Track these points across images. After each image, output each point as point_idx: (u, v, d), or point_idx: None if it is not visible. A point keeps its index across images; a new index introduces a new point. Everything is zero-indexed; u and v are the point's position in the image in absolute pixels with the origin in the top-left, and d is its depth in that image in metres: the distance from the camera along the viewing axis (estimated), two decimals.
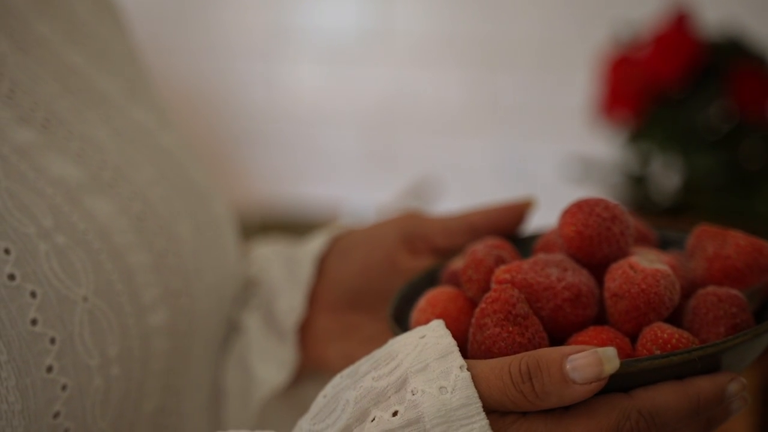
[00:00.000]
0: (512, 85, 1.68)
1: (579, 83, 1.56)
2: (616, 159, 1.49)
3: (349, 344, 0.65)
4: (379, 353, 0.49)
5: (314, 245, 0.66)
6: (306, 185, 1.68)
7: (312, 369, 0.67)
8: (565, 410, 0.46)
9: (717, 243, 0.53)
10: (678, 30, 1.11)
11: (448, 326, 0.49)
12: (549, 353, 0.46)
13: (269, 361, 0.67)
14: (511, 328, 0.49)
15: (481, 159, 1.74)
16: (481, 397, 0.45)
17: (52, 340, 0.51)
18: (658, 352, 0.47)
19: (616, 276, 0.50)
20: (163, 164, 0.61)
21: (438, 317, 0.52)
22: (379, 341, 0.55)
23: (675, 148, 1.12)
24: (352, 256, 0.65)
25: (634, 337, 0.48)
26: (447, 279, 0.58)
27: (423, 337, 0.48)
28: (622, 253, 0.52)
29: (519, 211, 0.63)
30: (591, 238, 0.52)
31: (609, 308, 0.49)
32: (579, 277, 0.51)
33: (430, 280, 0.59)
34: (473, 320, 0.50)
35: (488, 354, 0.48)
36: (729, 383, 0.47)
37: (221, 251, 0.63)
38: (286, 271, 0.67)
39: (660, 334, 0.48)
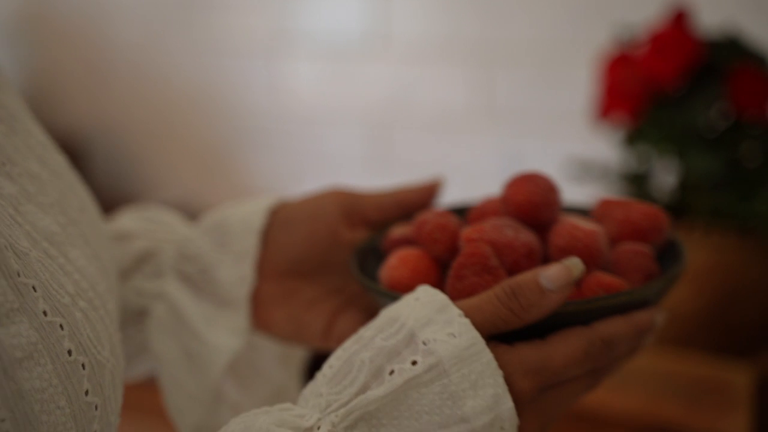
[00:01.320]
0: (512, 86, 1.69)
1: (579, 83, 1.57)
2: (615, 158, 1.49)
3: (293, 308, 0.71)
4: (379, 320, 0.56)
5: (253, 219, 0.71)
6: (307, 185, 1.69)
7: (259, 333, 0.73)
8: (544, 341, 0.56)
9: (623, 210, 0.66)
10: (676, 29, 1.11)
11: (420, 280, 0.62)
12: (524, 275, 0.56)
13: (219, 329, 0.71)
14: (487, 277, 0.58)
15: (481, 159, 1.74)
16: (478, 325, 0.54)
17: (96, 407, 0.52)
18: (603, 294, 0.58)
19: (562, 234, 0.61)
20: (76, 194, 0.62)
21: (411, 272, 0.63)
22: (322, 303, 0.70)
23: (673, 147, 1.12)
24: (295, 229, 0.71)
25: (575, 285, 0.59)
26: (395, 244, 0.67)
27: (417, 299, 0.56)
28: (556, 218, 0.64)
29: (434, 189, 0.73)
30: (537, 204, 0.63)
31: (555, 261, 0.58)
32: (529, 237, 0.61)
33: (373, 247, 0.69)
34: (451, 272, 0.59)
35: (476, 269, 0.59)
36: (656, 315, 0.60)
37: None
38: (217, 243, 0.72)
39: (603, 279, 0.59)
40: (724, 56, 1.11)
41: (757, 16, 1.45)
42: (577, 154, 1.62)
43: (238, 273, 0.71)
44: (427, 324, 0.54)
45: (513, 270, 0.59)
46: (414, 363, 0.53)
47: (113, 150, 2.17)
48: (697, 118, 1.11)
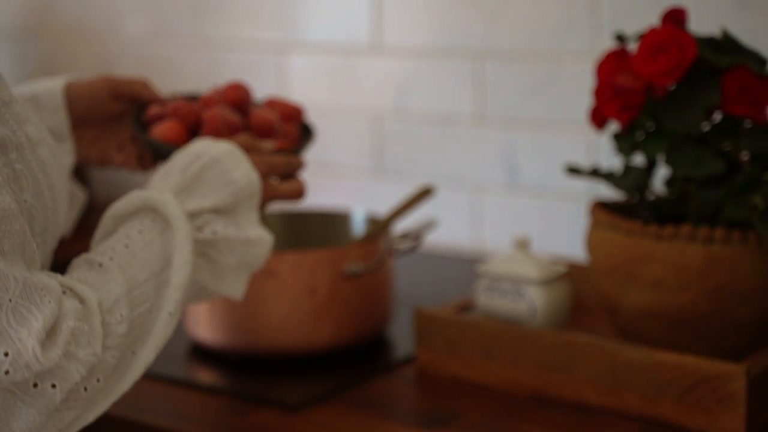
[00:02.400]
0: (512, 86, 1.69)
1: (578, 82, 1.57)
2: (610, 155, 1.50)
3: (92, 143, 1.19)
4: (185, 155, 1.01)
5: (56, 94, 1.14)
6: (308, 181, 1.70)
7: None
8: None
9: (280, 104, 1.21)
10: (670, 27, 1.11)
11: (179, 139, 1.13)
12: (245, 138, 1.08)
13: (63, 153, 1.13)
14: (223, 135, 1.12)
15: (482, 159, 1.75)
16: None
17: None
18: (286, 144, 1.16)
19: (254, 116, 1.16)
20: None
21: (175, 132, 1.13)
22: (106, 142, 1.19)
23: (666, 146, 1.12)
24: (81, 100, 1.15)
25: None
26: (153, 118, 1.16)
27: (205, 145, 1.03)
28: (249, 109, 1.17)
29: (142, 84, 1.18)
30: (242, 99, 1.17)
31: (252, 130, 1.15)
32: (237, 116, 1.15)
33: (138, 116, 1.17)
34: (203, 133, 1.13)
35: (215, 133, 1.12)
36: (296, 159, 1.09)
37: None
38: (35, 107, 1.12)
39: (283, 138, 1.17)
40: (717, 55, 1.11)
41: (753, 14, 1.45)
42: (571, 152, 1.63)
43: (58, 119, 1.13)
44: (218, 160, 1.01)
45: (230, 132, 1.12)
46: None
47: None
48: (690, 117, 1.11)
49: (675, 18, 1.13)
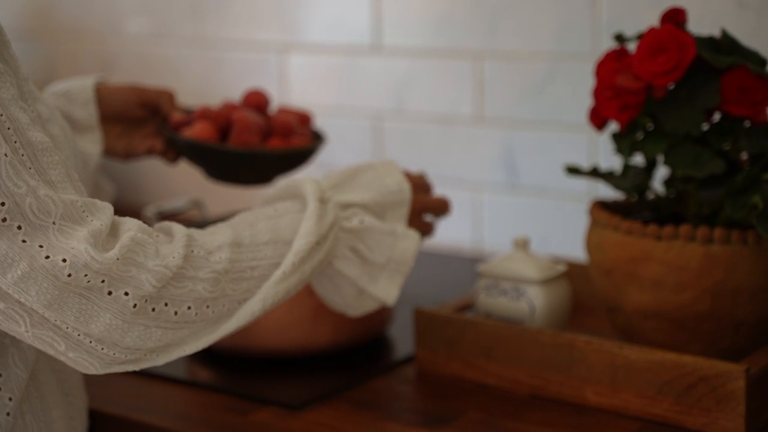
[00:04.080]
0: (512, 86, 1.69)
1: (577, 83, 1.57)
2: (610, 155, 1.50)
3: (120, 138, 1.30)
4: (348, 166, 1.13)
5: (88, 92, 1.25)
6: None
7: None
8: None
9: (294, 113, 1.33)
10: (668, 27, 1.11)
11: (213, 137, 1.25)
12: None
13: (87, 142, 1.23)
14: (253, 136, 1.26)
15: (482, 159, 1.75)
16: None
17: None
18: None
19: (276, 119, 1.29)
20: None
21: (208, 132, 1.24)
22: (139, 140, 1.31)
23: (666, 144, 1.12)
24: (112, 103, 1.27)
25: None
26: (180, 123, 1.26)
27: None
28: (267, 112, 1.32)
29: (168, 93, 1.30)
30: (263, 102, 1.31)
31: (275, 131, 1.28)
32: (261, 118, 1.29)
33: (164, 123, 1.28)
34: (234, 132, 1.25)
35: (245, 131, 1.25)
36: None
37: None
38: (66, 101, 1.24)
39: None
40: (716, 54, 1.11)
41: (750, 14, 1.45)
42: (571, 152, 1.63)
43: (87, 112, 1.23)
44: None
45: (258, 132, 1.26)
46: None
47: None
48: (689, 117, 1.11)
49: (674, 18, 1.13)
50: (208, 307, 0.93)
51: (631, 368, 1.09)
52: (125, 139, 1.29)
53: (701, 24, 1.30)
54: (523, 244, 1.26)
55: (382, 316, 1.32)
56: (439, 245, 1.77)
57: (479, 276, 1.27)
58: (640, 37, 1.13)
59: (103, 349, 0.87)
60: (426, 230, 1.17)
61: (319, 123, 1.69)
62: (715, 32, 1.16)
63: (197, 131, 1.24)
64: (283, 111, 1.32)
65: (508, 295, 1.23)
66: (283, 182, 1.07)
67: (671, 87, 1.12)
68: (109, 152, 1.29)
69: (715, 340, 1.12)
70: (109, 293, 0.85)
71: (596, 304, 1.32)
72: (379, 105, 1.83)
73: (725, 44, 1.12)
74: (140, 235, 0.87)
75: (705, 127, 1.12)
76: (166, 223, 0.95)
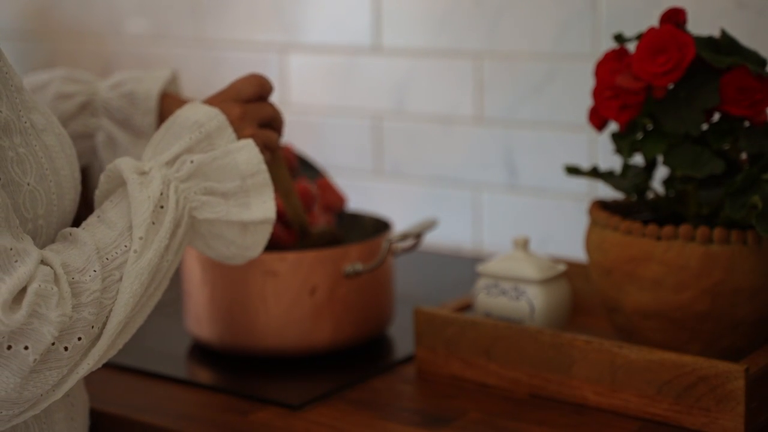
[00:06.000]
0: (512, 86, 1.69)
1: (577, 83, 1.57)
2: (610, 155, 1.50)
3: None
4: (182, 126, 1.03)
5: (152, 96, 1.25)
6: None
7: None
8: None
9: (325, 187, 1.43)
10: (668, 28, 1.11)
11: None
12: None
13: (140, 147, 1.24)
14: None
15: (482, 159, 1.75)
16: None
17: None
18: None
19: (300, 184, 1.36)
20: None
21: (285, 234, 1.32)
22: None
23: (665, 144, 1.12)
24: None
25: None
26: None
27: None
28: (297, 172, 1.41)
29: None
30: (290, 160, 1.39)
31: None
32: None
33: None
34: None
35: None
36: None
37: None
38: (128, 103, 1.25)
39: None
40: (716, 55, 1.11)
41: (750, 14, 1.46)
42: (570, 152, 1.63)
43: (147, 121, 1.24)
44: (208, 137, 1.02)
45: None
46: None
47: None
48: (689, 117, 1.11)
49: (674, 18, 1.13)
50: (93, 327, 0.88)
51: (630, 368, 1.09)
52: None
53: (701, 24, 1.30)
54: (522, 244, 1.26)
55: (382, 315, 1.32)
56: (439, 245, 1.77)
57: (479, 276, 1.27)
58: (640, 37, 1.13)
59: (1, 412, 0.84)
60: (264, 139, 1.07)
61: (319, 123, 1.69)
62: (715, 32, 1.16)
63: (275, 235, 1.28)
64: (319, 185, 1.40)
65: (508, 294, 1.23)
66: (103, 174, 1.00)
67: (671, 87, 1.12)
68: None
69: (715, 339, 1.12)
70: (8, 348, 0.81)
71: (596, 304, 1.33)
72: (379, 105, 1.83)
73: (725, 44, 1.12)
74: (44, 286, 0.83)
75: (704, 127, 1.12)
76: (45, 253, 0.88)
